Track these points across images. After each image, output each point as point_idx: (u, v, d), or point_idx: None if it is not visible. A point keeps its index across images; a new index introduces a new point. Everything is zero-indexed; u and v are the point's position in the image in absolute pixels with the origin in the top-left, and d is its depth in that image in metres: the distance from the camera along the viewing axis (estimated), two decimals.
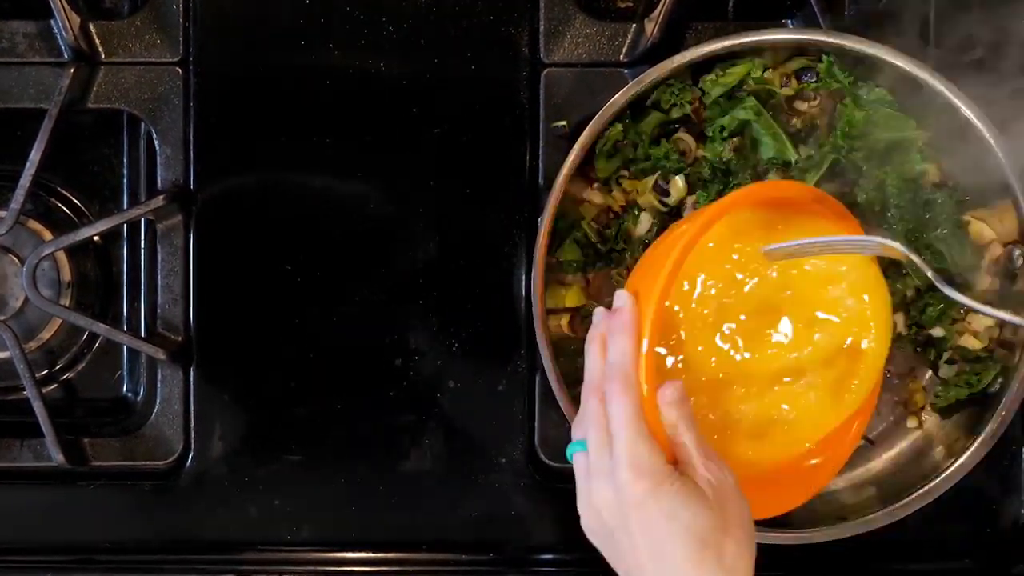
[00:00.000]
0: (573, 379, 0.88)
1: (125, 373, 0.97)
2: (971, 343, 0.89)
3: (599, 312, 0.78)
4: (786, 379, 0.82)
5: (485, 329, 0.92)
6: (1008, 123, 0.85)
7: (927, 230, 0.87)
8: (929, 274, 0.78)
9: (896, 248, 0.78)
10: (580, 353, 0.88)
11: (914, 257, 0.78)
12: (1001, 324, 0.88)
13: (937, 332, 0.89)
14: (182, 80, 0.92)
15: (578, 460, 0.75)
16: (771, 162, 0.87)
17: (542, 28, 0.92)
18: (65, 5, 0.89)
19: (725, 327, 0.81)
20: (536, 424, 0.92)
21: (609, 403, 0.72)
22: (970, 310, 0.87)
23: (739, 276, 0.81)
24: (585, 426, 0.74)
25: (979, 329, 0.89)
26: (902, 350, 0.91)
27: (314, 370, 0.92)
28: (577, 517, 0.75)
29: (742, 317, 0.81)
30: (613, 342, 0.73)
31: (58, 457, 0.90)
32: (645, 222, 0.88)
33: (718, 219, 0.77)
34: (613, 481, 0.70)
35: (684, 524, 0.68)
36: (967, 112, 0.84)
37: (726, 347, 0.81)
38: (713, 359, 0.81)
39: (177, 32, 0.92)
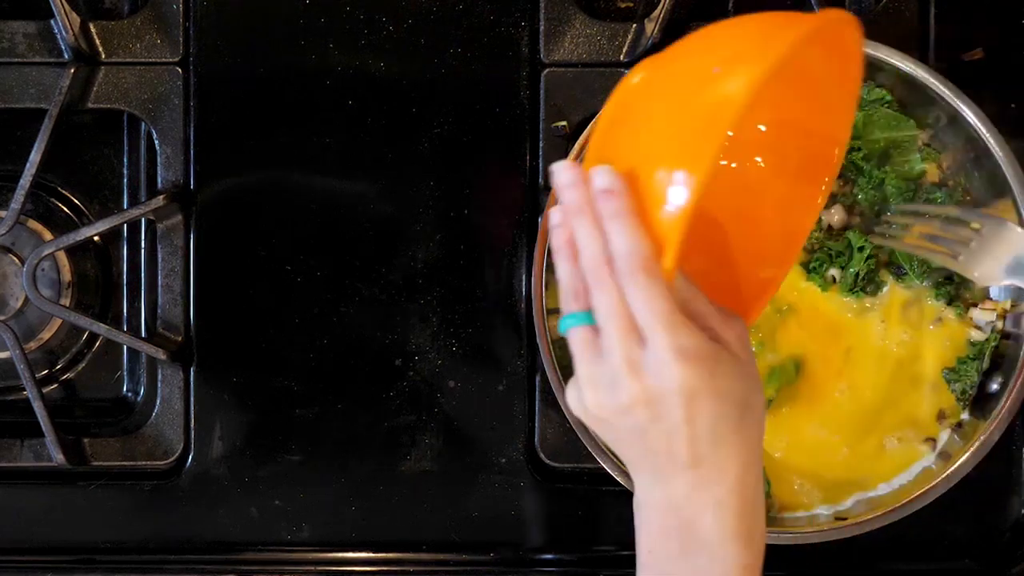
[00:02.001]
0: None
1: (125, 373, 0.97)
2: (973, 335, 0.89)
3: (568, 174, 0.67)
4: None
5: (485, 329, 0.92)
6: (1007, 123, 0.85)
7: None
8: None
9: None
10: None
11: None
12: (1003, 316, 0.88)
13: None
14: (182, 80, 0.92)
15: (581, 335, 0.66)
16: None
17: (542, 28, 0.92)
18: (65, 5, 0.89)
19: None
20: (536, 424, 0.92)
21: (632, 296, 0.64)
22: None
23: None
24: (583, 301, 0.66)
25: (981, 323, 0.89)
26: None
27: (314, 370, 0.92)
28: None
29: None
30: (618, 227, 0.64)
31: (58, 457, 0.90)
32: None
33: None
34: (652, 375, 0.63)
35: (736, 398, 0.65)
36: (967, 112, 0.84)
37: None
38: None
39: (177, 32, 0.92)
